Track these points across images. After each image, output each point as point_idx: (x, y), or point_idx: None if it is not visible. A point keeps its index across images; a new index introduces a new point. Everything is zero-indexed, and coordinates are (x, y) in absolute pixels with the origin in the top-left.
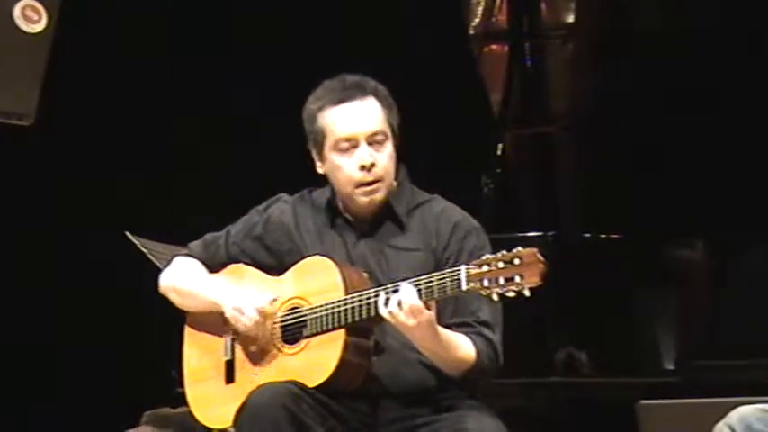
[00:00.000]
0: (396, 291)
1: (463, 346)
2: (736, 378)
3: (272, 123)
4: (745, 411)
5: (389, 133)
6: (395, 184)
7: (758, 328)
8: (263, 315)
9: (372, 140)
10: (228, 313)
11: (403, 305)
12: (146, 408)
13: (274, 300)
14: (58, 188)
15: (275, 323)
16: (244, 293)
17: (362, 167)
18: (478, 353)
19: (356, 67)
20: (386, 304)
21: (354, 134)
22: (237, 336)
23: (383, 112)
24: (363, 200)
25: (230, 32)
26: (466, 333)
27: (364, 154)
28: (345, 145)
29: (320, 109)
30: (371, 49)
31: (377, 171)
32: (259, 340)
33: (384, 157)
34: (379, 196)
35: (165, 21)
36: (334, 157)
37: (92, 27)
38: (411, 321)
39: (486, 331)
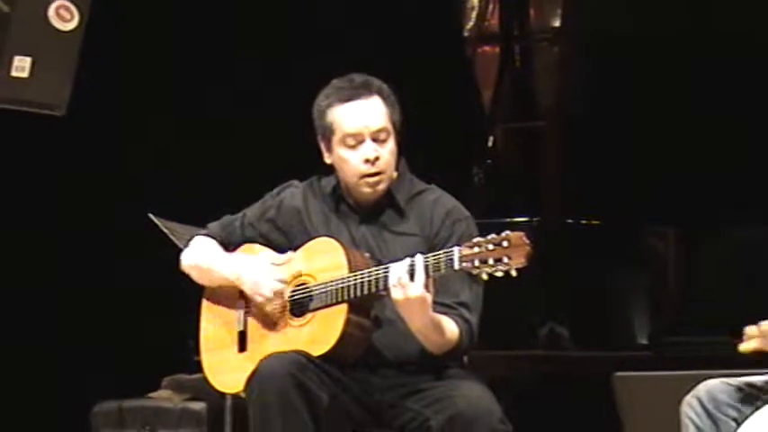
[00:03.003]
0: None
1: (449, 329)
2: (703, 353)
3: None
4: (711, 384)
5: (391, 130)
6: (395, 174)
7: (722, 307)
8: (277, 294)
9: (376, 137)
10: (248, 288)
11: (392, 277)
12: (165, 374)
13: (285, 280)
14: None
15: (285, 298)
16: (261, 269)
17: (367, 161)
18: (460, 334)
19: (361, 65)
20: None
21: (360, 130)
22: (250, 309)
23: (386, 111)
24: (367, 190)
25: (246, 31)
26: (447, 314)
27: (369, 149)
28: (352, 140)
29: (329, 106)
30: (373, 49)
31: (380, 164)
32: (270, 313)
33: (386, 152)
34: (381, 187)
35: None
36: (341, 151)
37: (121, 25)
38: (398, 295)
39: (466, 313)
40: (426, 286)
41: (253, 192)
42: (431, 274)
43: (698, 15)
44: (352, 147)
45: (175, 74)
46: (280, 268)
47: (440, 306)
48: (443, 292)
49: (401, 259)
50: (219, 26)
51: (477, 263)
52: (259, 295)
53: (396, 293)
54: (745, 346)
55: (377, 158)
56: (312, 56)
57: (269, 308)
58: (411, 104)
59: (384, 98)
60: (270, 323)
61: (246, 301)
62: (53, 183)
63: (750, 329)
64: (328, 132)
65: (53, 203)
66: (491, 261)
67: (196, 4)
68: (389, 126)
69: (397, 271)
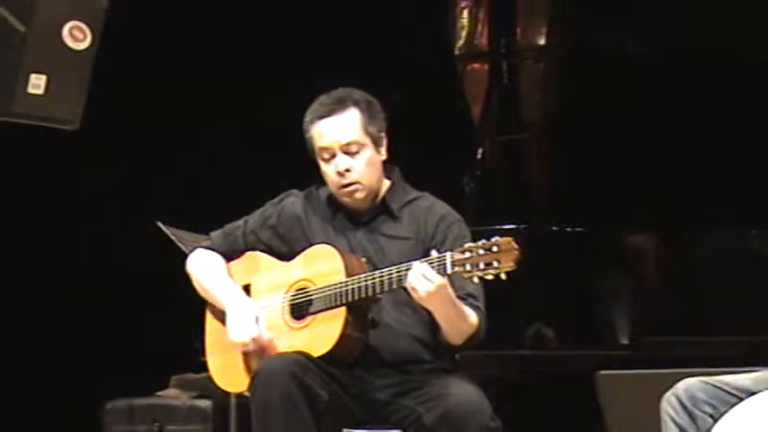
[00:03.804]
0: (408, 269)
1: (471, 315)
2: (682, 352)
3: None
4: (690, 383)
5: (367, 141)
6: (388, 182)
7: (700, 308)
8: (253, 340)
9: (347, 150)
10: (228, 325)
11: (427, 274)
12: (173, 373)
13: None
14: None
15: (285, 302)
16: (248, 311)
17: (338, 173)
18: (479, 320)
19: (359, 80)
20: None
21: (330, 145)
22: None
23: (361, 123)
24: (346, 199)
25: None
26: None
27: (340, 162)
28: (326, 154)
29: (311, 122)
30: (372, 66)
31: (352, 175)
32: (271, 317)
33: (360, 163)
34: (359, 195)
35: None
36: (321, 164)
37: (130, 44)
38: (429, 287)
39: (476, 302)
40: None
41: (255, 199)
42: None
43: (671, 34)
44: (327, 160)
45: (183, 86)
46: (280, 279)
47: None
48: (450, 287)
49: (397, 263)
50: (225, 36)
51: (468, 267)
52: (234, 336)
53: (422, 287)
54: None
55: (347, 170)
56: (313, 70)
57: (240, 348)
58: (406, 118)
59: (362, 110)
60: (272, 326)
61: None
62: (71, 188)
63: None
64: (311, 146)
65: (69, 207)
66: (482, 265)
67: (197, 17)
68: (363, 138)
69: (419, 268)
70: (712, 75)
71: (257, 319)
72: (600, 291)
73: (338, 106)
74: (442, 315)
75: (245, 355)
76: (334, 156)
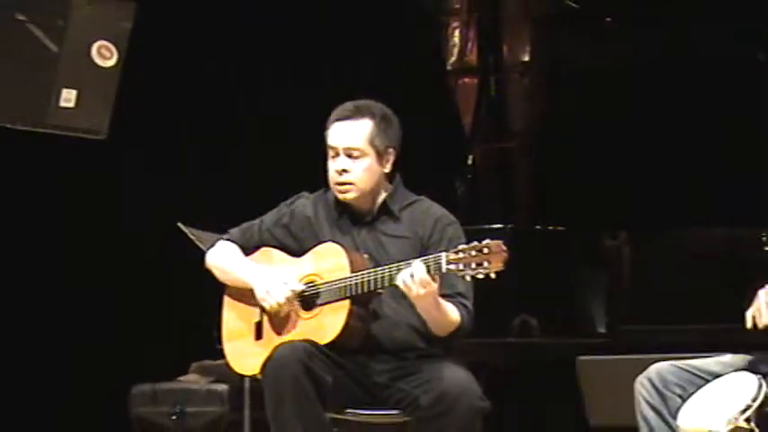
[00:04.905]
0: (408, 266)
1: (452, 312)
2: (653, 339)
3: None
4: (660, 366)
5: (371, 152)
6: (390, 187)
7: (669, 301)
8: (288, 299)
9: (349, 153)
10: (259, 294)
11: (415, 277)
12: (193, 360)
13: (295, 290)
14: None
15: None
16: (275, 277)
17: (336, 171)
18: (462, 317)
19: (377, 94)
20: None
21: (336, 145)
22: None
23: (370, 134)
24: (338, 195)
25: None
26: (448, 302)
27: (340, 162)
28: (332, 152)
29: (330, 122)
30: (375, 82)
31: (347, 176)
32: (282, 308)
33: (358, 169)
34: (350, 195)
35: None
36: (328, 160)
37: (153, 62)
38: (421, 290)
39: (464, 300)
40: (433, 278)
41: (269, 200)
42: (432, 273)
43: (642, 51)
44: (332, 158)
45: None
46: (291, 274)
47: (441, 297)
48: (442, 285)
49: (398, 260)
50: (233, 47)
51: (461, 266)
52: (266, 303)
53: (414, 287)
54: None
55: (344, 170)
56: (324, 84)
57: (279, 311)
58: (402, 129)
59: (375, 123)
60: (282, 315)
61: None
62: (106, 189)
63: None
64: (326, 143)
65: (104, 206)
66: (473, 265)
67: (212, 33)
68: (367, 148)
69: (420, 271)
70: (682, 86)
71: (285, 283)
72: (579, 284)
73: (355, 113)
74: (424, 311)
75: (264, 328)
76: (337, 155)
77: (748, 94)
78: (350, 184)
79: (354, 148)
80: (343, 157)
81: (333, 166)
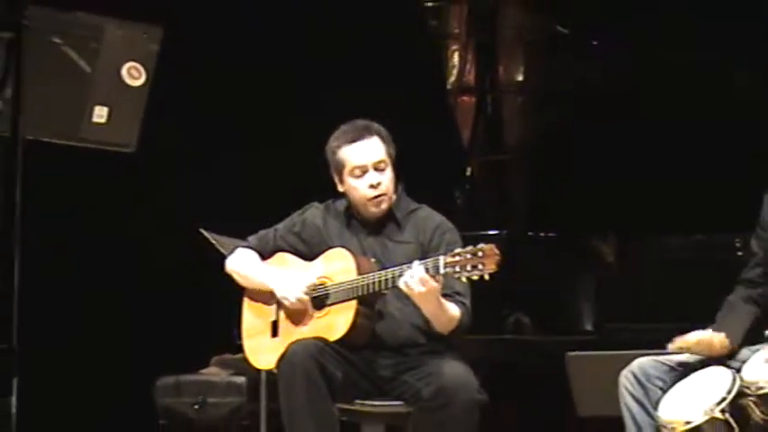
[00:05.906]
0: (409, 269)
1: (453, 310)
2: (638, 337)
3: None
4: (643, 361)
5: (389, 161)
6: (394, 196)
7: (653, 300)
8: (300, 300)
9: (378, 166)
10: (279, 294)
11: (414, 277)
12: (214, 354)
13: (308, 289)
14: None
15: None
16: (291, 278)
17: (371, 186)
18: (461, 314)
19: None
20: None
21: (365, 164)
22: (280, 304)
23: (384, 147)
24: (374, 209)
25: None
26: (448, 301)
27: (373, 177)
28: (358, 171)
29: (339, 146)
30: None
31: (381, 188)
32: (299, 305)
33: (386, 179)
34: (384, 206)
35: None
36: (351, 181)
37: (178, 82)
38: (421, 288)
39: (462, 299)
40: (435, 279)
41: (281, 210)
42: (430, 274)
43: (622, 70)
44: (359, 176)
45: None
46: (304, 276)
47: (441, 296)
48: (442, 286)
49: (402, 263)
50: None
51: (457, 268)
52: (287, 300)
53: (415, 286)
54: (673, 347)
55: (379, 183)
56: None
57: (296, 308)
58: (406, 143)
59: (382, 137)
60: (296, 315)
61: (277, 298)
62: (135, 199)
63: (683, 342)
64: (340, 167)
65: (134, 214)
66: (469, 267)
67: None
68: (386, 158)
69: (419, 272)
70: (661, 99)
71: (302, 282)
72: (568, 286)
73: (365, 133)
74: (427, 310)
75: (282, 326)
76: (366, 172)
77: (727, 105)
78: (384, 195)
79: (381, 161)
80: (372, 172)
81: (363, 183)
